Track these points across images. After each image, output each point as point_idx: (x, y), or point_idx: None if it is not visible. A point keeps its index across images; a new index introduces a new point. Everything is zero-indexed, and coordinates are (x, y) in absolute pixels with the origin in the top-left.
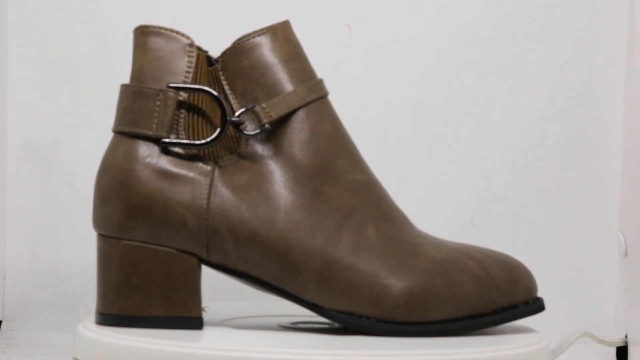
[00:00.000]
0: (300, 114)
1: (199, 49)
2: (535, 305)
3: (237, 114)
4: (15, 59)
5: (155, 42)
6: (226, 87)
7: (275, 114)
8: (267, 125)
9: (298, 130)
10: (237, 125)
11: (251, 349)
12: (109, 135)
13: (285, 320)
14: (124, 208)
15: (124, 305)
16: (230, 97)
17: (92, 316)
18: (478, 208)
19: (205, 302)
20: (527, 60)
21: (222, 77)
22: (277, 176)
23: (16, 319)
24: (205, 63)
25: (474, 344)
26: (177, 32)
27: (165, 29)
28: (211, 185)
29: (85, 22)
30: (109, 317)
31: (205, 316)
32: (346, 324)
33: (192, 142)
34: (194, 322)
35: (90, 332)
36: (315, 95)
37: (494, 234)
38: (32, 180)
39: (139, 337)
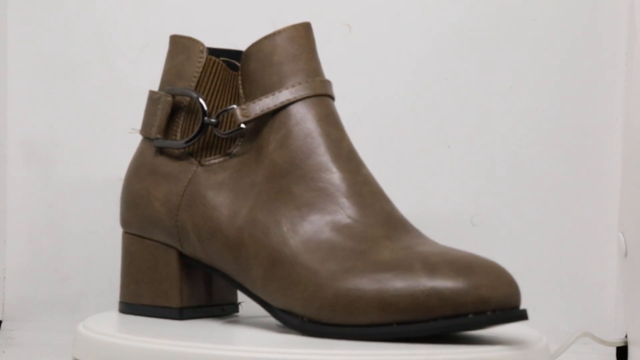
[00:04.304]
0: (284, 113)
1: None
2: (490, 317)
3: (216, 114)
4: (15, 59)
5: (177, 49)
6: (240, 91)
7: (253, 114)
8: (242, 125)
9: (277, 130)
10: (215, 126)
11: (251, 349)
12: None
13: None
14: (123, 203)
15: (124, 293)
16: (242, 100)
17: (92, 316)
18: (478, 208)
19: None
20: (527, 60)
21: (240, 81)
22: (252, 175)
23: (16, 319)
24: (221, 68)
25: (473, 343)
26: (193, 40)
27: (184, 37)
28: (188, 183)
29: (85, 22)
30: (119, 304)
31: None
32: (283, 322)
33: (172, 142)
34: (173, 312)
35: (90, 332)
36: (300, 95)
37: (494, 234)
38: (32, 180)
39: (138, 336)
